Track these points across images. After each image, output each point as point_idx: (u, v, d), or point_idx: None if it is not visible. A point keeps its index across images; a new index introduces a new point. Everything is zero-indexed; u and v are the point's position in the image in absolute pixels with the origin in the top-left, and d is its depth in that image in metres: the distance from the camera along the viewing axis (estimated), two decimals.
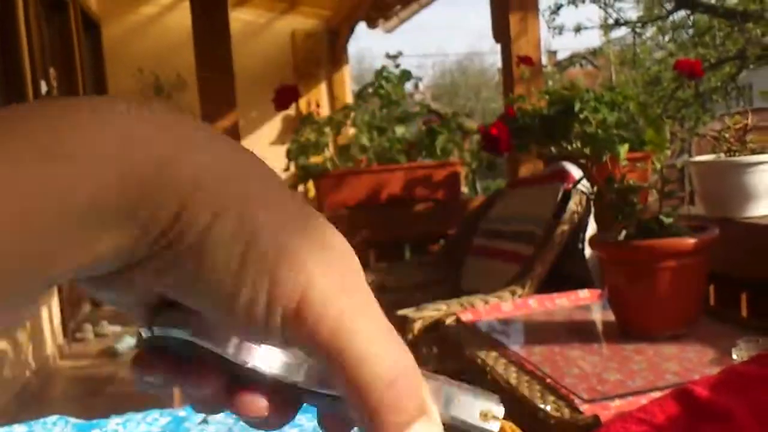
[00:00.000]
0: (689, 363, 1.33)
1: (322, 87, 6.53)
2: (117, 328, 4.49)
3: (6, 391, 3.11)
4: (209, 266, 0.24)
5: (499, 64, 3.24)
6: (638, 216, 1.51)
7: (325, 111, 5.78)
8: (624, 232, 1.52)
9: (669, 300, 1.45)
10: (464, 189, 3.50)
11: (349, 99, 6.01)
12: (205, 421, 1.13)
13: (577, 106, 2.35)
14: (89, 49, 6.14)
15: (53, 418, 1.22)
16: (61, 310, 4.21)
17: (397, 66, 3.17)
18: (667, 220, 1.47)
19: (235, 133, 2.73)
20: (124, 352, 4.00)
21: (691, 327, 1.46)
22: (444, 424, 0.27)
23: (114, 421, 1.16)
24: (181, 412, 1.16)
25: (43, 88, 4.46)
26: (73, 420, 1.21)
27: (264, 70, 6.03)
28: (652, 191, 1.69)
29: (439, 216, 2.87)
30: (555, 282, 1.96)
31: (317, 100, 5.85)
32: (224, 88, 2.70)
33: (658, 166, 1.69)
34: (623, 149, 1.92)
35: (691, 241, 1.44)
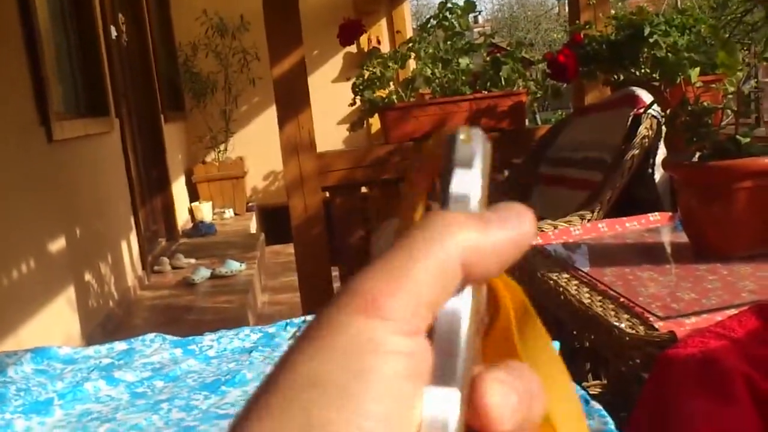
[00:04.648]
0: (766, 281, 1.33)
1: (383, 23, 6.49)
2: (192, 261, 4.67)
3: (91, 319, 3.29)
4: None
5: None
6: (713, 137, 1.50)
7: (385, 47, 5.75)
8: (698, 154, 1.51)
9: (745, 220, 1.44)
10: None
11: (410, 34, 5.95)
12: (294, 336, 1.20)
13: (646, 30, 2.30)
14: None
15: (151, 335, 1.30)
16: (139, 245, 4.39)
17: None
18: (744, 140, 1.45)
19: (302, 71, 2.75)
20: (200, 282, 4.16)
21: (766, 247, 1.46)
22: None
23: (208, 338, 1.24)
24: (271, 329, 1.23)
25: (113, 33, 4.56)
26: (169, 337, 1.29)
27: (323, 9, 6.02)
28: (726, 112, 1.67)
29: (503, 146, 2.86)
30: (624, 208, 1.96)
31: (378, 36, 5.82)
32: (291, 26, 2.71)
33: (731, 89, 1.66)
34: (694, 72, 1.89)
35: None
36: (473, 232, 0.23)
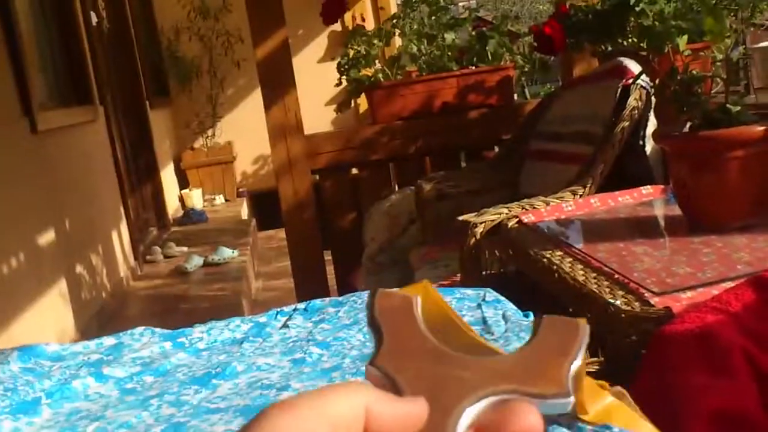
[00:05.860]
0: (761, 252, 1.32)
1: (366, 0, 6.41)
2: (184, 249, 4.64)
3: (85, 311, 3.27)
4: None
5: None
6: (704, 106, 1.48)
7: (370, 24, 5.68)
8: (689, 124, 1.49)
9: (738, 190, 1.43)
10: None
11: (394, 10, 5.89)
12: (285, 326, 1.18)
13: None
14: None
15: (140, 329, 1.28)
16: (130, 235, 4.36)
17: None
18: (734, 109, 1.43)
19: (286, 52, 2.72)
20: (193, 271, 4.13)
21: (761, 217, 1.44)
22: None
23: (198, 330, 1.22)
24: (262, 318, 1.21)
25: (94, 19, 4.49)
26: (159, 330, 1.26)
27: None
28: (715, 81, 1.64)
29: (493, 122, 2.84)
30: (616, 182, 1.94)
31: (362, 14, 5.76)
32: (273, 6, 2.67)
33: (719, 56, 1.63)
34: (682, 40, 1.86)
35: (759, 128, 1.40)
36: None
